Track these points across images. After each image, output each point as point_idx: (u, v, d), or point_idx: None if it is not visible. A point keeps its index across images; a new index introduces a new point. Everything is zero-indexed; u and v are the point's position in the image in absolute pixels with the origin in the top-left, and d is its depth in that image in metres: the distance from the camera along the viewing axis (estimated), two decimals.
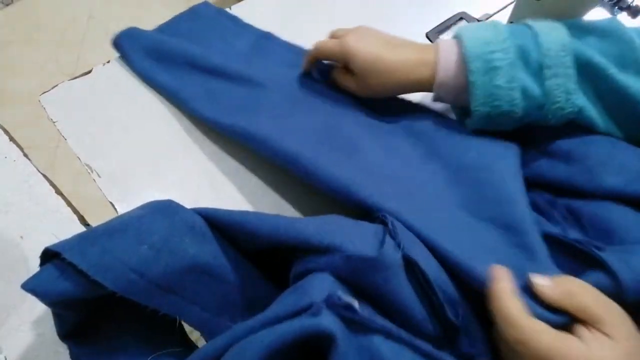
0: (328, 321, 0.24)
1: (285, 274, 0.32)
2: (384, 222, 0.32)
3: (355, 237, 0.30)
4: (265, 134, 0.38)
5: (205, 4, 0.55)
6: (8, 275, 0.36)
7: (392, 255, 0.28)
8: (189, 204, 0.41)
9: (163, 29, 0.52)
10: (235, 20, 0.53)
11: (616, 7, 0.56)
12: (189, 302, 0.28)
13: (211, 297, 0.29)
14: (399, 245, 0.29)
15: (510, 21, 0.46)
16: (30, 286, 0.25)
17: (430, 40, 0.56)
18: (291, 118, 0.40)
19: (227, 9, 0.56)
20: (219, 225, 0.31)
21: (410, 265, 0.29)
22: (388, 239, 0.29)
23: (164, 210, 0.29)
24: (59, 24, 1.56)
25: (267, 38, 0.51)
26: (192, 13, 0.53)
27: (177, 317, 0.28)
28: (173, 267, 0.27)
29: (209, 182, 0.43)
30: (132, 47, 0.48)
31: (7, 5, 1.59)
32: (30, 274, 0.34)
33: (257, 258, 0.33)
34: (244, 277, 0.31)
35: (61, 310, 0.28)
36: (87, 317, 0.30)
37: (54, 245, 0.26)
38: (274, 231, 0.30)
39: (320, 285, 0.27)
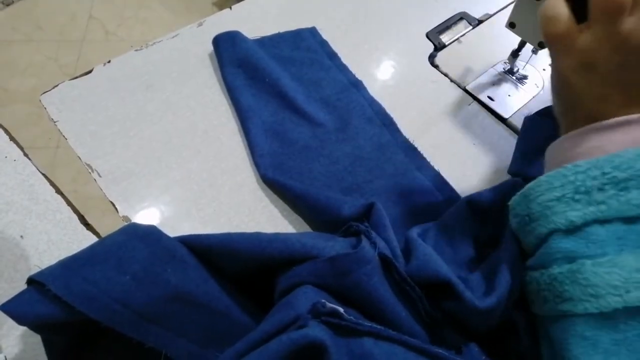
0: (316, 330, 0.24)
1: (271, 300, 0.31)
2: (357, 234, 0.33)
3: (335, 242, 0.31)
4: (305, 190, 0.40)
5: (312, 30, 0.55)
6: (9, 274, 0.36)
7: (371, 250, 0.30)
8: (189, 204, 0.41)
9: (264, 42, 0.52)
10: (334, 58, 0.53)
11: None
12: (175, 334, 0.28)
13: (197, 328, 0.29)
14: (374, 244, 0.30)
15: (511, 21, 0.46)
16: (8, 308, 0.25)
17: (431, 40, 0.56)
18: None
19: (228, 9, 0.56)
20: (201, 250, 0.31)
21: (386, 264, 0.30)
22: (364, 238, 0.31)
23: (145, 237, 0.29)
24: (59, 24, 1.56)
25: (356, 86, 0.51)
26: (296, 35, 0.54)
27: (162, 351, 0.27)
28: (156, 298, 0.27)
29: (209, 182, 0.43)
30: (227, 51, 0.49)
31: (8, 5, 1.59)
32: (31, 273, 0.35)
33: (242, 285, 0.33)
34: (230, 305, 0.30)
35: (48, 335, 0.28)
36: (76, 346, 0.29)
37: (38, 274, 0.26)
38: (257, 246, 0.30)
39: (304, 297, 0.27)
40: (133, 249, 0.28)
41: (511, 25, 0.47)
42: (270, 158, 0.43)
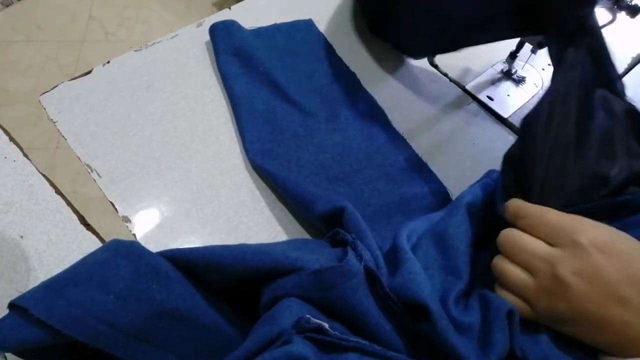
0: (299, 347, 0.24)
1: (257, 311, 0.31)
2: (343, 242, 0.32)
3: (320, 254, 0.31)
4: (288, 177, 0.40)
5: (308, 22, 0.55)
6: (9, 274, 0.36)
7: (357, 264, 0.29)
8: (188, 204, 0.41)
9: (260, 32, 0.53)
10: (329, 50, 0.53)
11: (615, 7, 0.56)
12: (163, 351, 0.27)
13: (185, 343, 0.28)
14: (360, 256, 0.30)
15: None
16: None
17: None
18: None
19: (228, 9, 0.56)
20: (185, 264, 0.30)
21: (370, 277, 0.30)
22: (350, 251, 0.30)
23: (128, 254, 0.28)
24: (59, 24, 1.56)
25: (349, 78, 0.51)
26: (292, 27, 0.54)
27: None
28: (142, 315, 0.27)
29: (208, 182, 0.43)
30: (223, 40, 0.50)
31: (7, 5, 1.59)
32: (30, 274, 0.35)
33: (229, 297, 0.32)
34: (218, 318, 0.30)
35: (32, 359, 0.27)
36: None
37: (19, 299, 0.25)
38: (240, 258, 0.29)
39: (288, 312, 0.27)
40: (116, 267, 0.27)
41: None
42: (259, 144, 0.44)
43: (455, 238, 0.34)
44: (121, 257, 0.28)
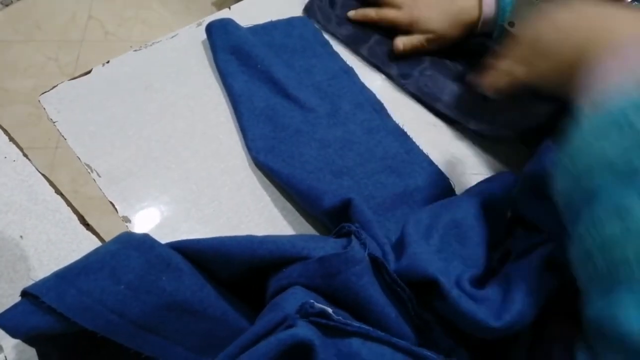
0: (304, 331, 0.24)
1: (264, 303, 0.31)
2: (348, 234, 0.33)
3: (325, 243, 0.31)
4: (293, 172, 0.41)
5: (304, 19, 0.55)
6: (8, 274, 0.36)
7: (360, 251, 0.30)
8: (188, 204, 0.41)
9: (257, 30, 0.53)
10: (325, 46, 0.53)
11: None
12: (171, 342, 0.28)
13: (194, 335, 0.29)
14: (364, 244, 0.30)
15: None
16: (1, 321, 0.25)
17: None
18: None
19: (227, 9, 0.56)
20: (195, 255, 0.31)
21: (376, 265, 0.30)
22: (354, 239, 0.31)
23: (139, 246, 0.29)
24: (58, 24, 1.56)
25: (347, 73, 0.51)
26: (288, 24, 0.54)
27: None
28: (151, 306, 0.27)
29: (208, 182, 0.43)
30: (220, 38, 0.50)
31: (7, 5, 1.59)
32: (30, 273, 0.35)
33: (238, 289, 0.33)
34: (227, 310, 0.30)
35: (43, 348, 0.28)
36: (72, 357, 0.29)
37: (31, 287, 0.26)
38: (248, 247, 0.30)
39: (293, 298, 0.27)
40: (127, 257, 0.28)
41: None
42: (261, 142, 0.44)
43: (473, 230, 0.35)
44: (132, 248, 0.29)
